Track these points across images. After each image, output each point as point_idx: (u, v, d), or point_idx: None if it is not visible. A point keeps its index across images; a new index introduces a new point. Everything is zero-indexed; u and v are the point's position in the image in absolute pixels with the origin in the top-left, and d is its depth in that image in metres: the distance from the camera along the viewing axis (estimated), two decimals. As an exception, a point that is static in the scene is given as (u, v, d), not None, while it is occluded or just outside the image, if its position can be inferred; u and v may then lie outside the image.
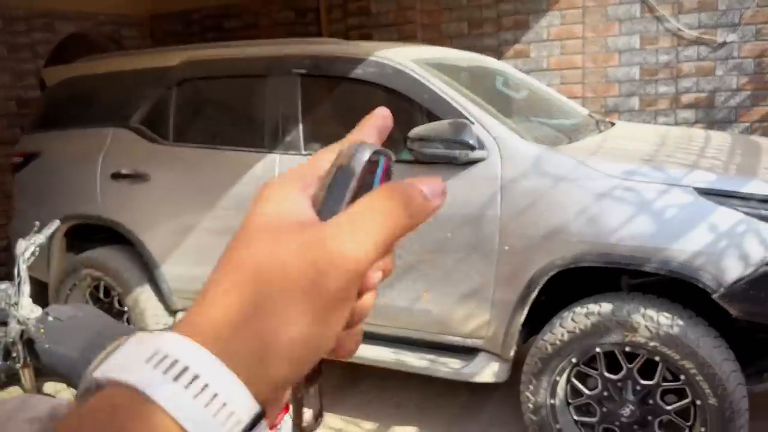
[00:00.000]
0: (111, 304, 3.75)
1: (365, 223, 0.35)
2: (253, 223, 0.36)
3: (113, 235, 3.75)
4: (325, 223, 0.35)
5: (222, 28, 6.88)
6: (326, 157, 0.40)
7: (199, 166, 3.37)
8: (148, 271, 3.59)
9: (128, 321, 3.66)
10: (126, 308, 3.65)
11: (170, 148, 3.47)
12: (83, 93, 3.96)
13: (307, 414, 0.39)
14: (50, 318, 2.33)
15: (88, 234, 3.94)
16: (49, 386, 2.64)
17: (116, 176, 3.58)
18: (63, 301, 3.81)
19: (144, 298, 3.58)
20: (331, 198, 0.37)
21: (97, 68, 3.92)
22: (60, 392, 3.07)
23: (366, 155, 0.37)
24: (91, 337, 2.30)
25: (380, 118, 0.44)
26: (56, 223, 2.51)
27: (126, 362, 0.33)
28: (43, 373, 2.43)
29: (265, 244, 0.35)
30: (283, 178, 0.39)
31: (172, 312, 3.63)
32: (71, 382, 2.26)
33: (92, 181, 3.67)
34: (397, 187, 0.37)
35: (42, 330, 2.23)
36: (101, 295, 3.78)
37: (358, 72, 3.02)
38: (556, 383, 2.64)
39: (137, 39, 7.11)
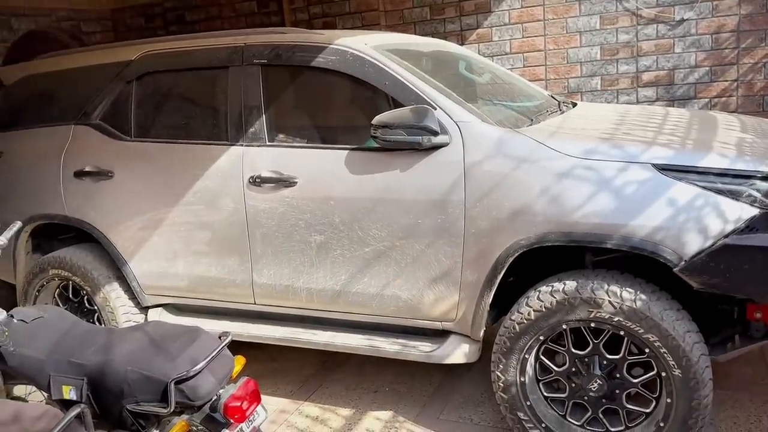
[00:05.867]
0: (81, 303, 3.72)
1: None
2: None
3: (81, 234, 3.71)
4: None
5: (185, 21, 6.81)
6: None
7: (162, 160, 3.33)
8: (117, 268, 3.56)
9: (99, 320, 3.63)
10: (96, 307, 3.62)
11: (132, 143, 3.43)
12: (43, 91, 3.89)
13: None
14: (15, 321, 2.30)
15: (56, 233, 3.89)
16: (20, 388, 2.61)
17: (79, 174, 3.54)
18: (31, 303, 3.76)
19: (114, 296, 3.55)
20: None
21: (56, 65, 3.85)
22: (31, 394, 3.04)
23: None
24: (58, 338, 2.29)
25: None
26: (17, 224, 2.47)
27: None
28: (11, 376, 2.40)
29: None
30: None
31: (143, 309, 3.61)
32: (39, 384, 2.24)
33: (55, 180, 3.61)
34: None
35: (6, 333, 2.20)
36: (70, 295, 3.74)
37: (320, 60, 3.01)
38: (525, 361, 2.69)
39: (99, 34, 6.99)
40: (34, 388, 2.50)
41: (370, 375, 3.66)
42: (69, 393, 2.17)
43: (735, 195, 2.35)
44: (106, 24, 7.11)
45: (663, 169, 2.44)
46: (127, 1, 6.96)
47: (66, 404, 2.15)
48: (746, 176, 2.37)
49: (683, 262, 2.38)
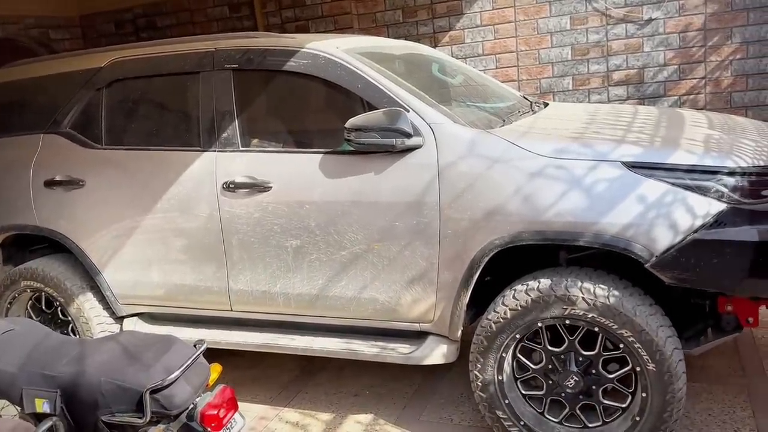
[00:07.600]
0: (54, 314, 3.66)
1: None
2: None
3: (53, 244, 3.66)
4: None
5: (156, 27, 6.75)
6: None
7: (134, 168, 3.30)
8: (90, 278, 3.51)
9: (73, 331, 3.58)
10: (70, 318, 3.57)
11: (104, 151, 3.39)
12: (11, 100, 3.82)
13: None
14: (-15, 334, 2.26)
15: (28, 244, 3.83)
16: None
17: (50, 183, 3.49)
18: (3, 315, 3.70)
19: (87, 306, 3.50)
20: None
21: (24, 73, 3.80)
22: (4, 409, 2.99)
23: None
24: (29, 350, 2.25)
25: None
26: (-15, 236, 2.43)
27: None
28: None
29: None
30: None
31: (118, 318, 3.56)
32: (11, 398, 2.20)
33: (25, 189, 3.56)
34: None
35: (-24, 347, 2.16)
36: (43, 307, 3.68)
37: (292, 64, 3.01)
38: (502, 359, 2.71)
39: (68, 41, 6.90)
40: (7, 403, 2.46)
41: (349, 378, 3.65)
42: (42, 406, 2.14)
43: (703, 191, 2.39)
44: (74, 31, 7.02)
45: (632, 166, 2.48)
46: (96, 7, 6.89)
47: (39, 418, 2.12)
48: (713, 172, 2.42)
49: (654, 258, 2.41)
